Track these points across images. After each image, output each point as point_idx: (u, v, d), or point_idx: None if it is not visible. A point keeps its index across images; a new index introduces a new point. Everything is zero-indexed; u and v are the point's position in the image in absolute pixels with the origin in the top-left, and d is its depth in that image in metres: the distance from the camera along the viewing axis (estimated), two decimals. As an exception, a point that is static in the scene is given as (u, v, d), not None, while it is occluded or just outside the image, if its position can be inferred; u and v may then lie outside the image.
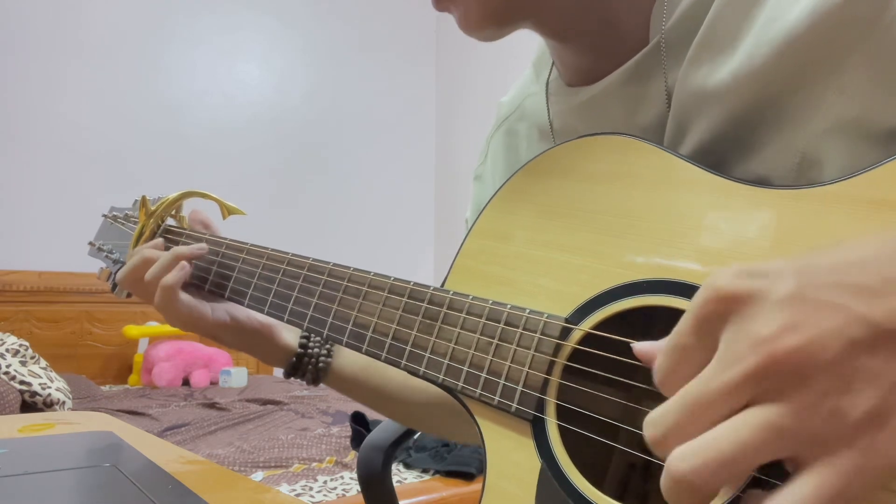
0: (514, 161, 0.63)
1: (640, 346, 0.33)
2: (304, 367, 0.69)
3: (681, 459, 0.26)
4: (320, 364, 0.69)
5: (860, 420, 0.24)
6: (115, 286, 0.78)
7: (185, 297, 0.65)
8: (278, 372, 3.19)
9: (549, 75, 0.57)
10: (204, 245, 0.68)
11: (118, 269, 0.78)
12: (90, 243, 0.82)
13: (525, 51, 0.65)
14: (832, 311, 0.25)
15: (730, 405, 0.26)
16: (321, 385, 0.71)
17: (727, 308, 0.27)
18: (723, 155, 0.44)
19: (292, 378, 0.70)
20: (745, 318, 0.27)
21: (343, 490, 1.36)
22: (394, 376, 0.71)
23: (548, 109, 0.57)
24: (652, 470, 0.49)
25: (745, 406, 0.26)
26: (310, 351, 0.69)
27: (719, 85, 0.43)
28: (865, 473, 0.24)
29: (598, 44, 0.50)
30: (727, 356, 0.27)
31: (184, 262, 0.66)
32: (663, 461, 0.27)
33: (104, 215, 0.85)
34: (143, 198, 0.75)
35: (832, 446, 0.25)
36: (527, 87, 0.63)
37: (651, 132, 0.49)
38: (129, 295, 0.77)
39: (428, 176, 3.80)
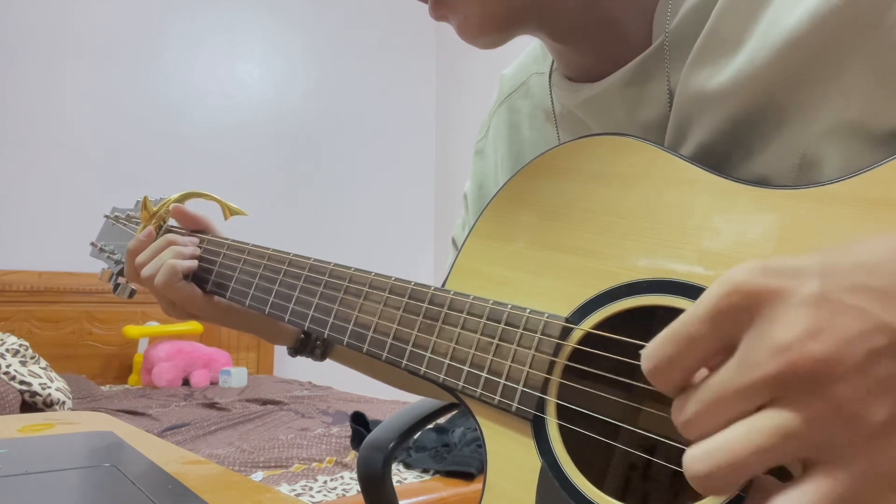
0: (517, 139, 0.63)
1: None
2: (313, 343, 0.70)
3: (695, 460, 0.27)
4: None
5: (876, 428, 0.25)
6: (116, 286, 0.79)
7: (187, 282, 0.68)
8: (278, 371, 3.19)
9: (553, 63, 0.57)
10: (195, 240, 0.71)
11: (120, 270, 0.79)
12: (92, 244, 0.82)
13: (526, 49, 0.65)
14: (854, 316, 0.25)
15: (747, 405, 0.27)
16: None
17: (748, 304, 0.27)
18: (723, 156, 0.44)
19: (298, 356, 0.72)
20: (766, 319, 0.26)
21: (343, 490, 1.36)
22: None
23: (551, 97, 0.57)
24: (652, 469, 0.49)
25: (762, 406, 0.26)
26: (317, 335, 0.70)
27: (721, 87, 0.43)
28: (876, 479, 0.25)
29: (598, 45, 0.50)
30: (748, 358, 0.26)
31: (194, 252, 0.69)
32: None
33: (106, 216, 0.85)
34: (145, 198, 0.75)
35: (845, 452, 0.25)
36: (533, 62, 0.62)
37: (652, 132, 0.49)
38: (131, 295, 0.77)
39: (428, 176, 3.80)
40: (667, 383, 0.29)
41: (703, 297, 0.28)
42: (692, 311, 0.28)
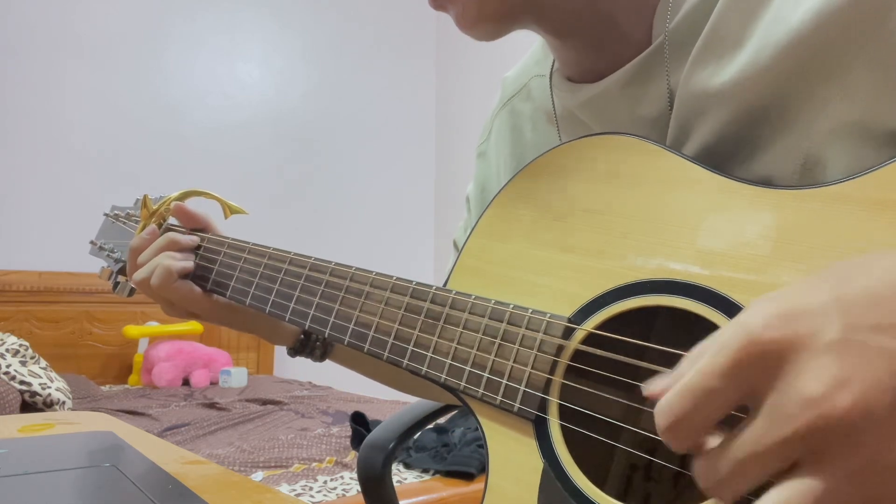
0: (519, 142, 0.63)
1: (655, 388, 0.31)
2: (313, 344, 0.70)
3: None
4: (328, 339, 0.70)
5: None
6: (116, 285, 0.78)
7: (184, 281, 0.68)
8: (278, 371, 3.19)
9: (553, 64, 0.57)
10: (195, 239, 0.70)
11: (119, 268, 0.78)
12: (91, 242, 0.82)
13: (526, 49, 0.65)
14: (878, 359, 0.25)
15: (781, 462, 0.26)
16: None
17: (769, 357, 0.26)
18: (726, 156, 0.44)
19: (298, 356, 0.72)
20: (792, 372, 0.26)
21: (343, 490, 1.36)
22: None
23: (552, 99, 0.57)
24: (654, 470, 0.49)
25: (795, 462, 0.26)
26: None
27: (723, 86, 0.43)
28: None
29: (598, 43, 0.50)
30: (778, 412, 0.26)
31: (190, 255, 0.68)
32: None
33: (105, 214, 0.85)
34: (145, 196, 0.75)
35: (885, 501, 0.24)
36: (534, 65, 0.63)
37: (653, 132, 0.48)
38: (130, 293, 0.77)
39: (428, 176, 3.79)
40: (683, 440, 0.28)
41: (720, 348, 0.27)
42: (709, 363, 0.27)
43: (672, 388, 0.28)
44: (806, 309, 0.26)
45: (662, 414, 0.28)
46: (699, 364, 0.27)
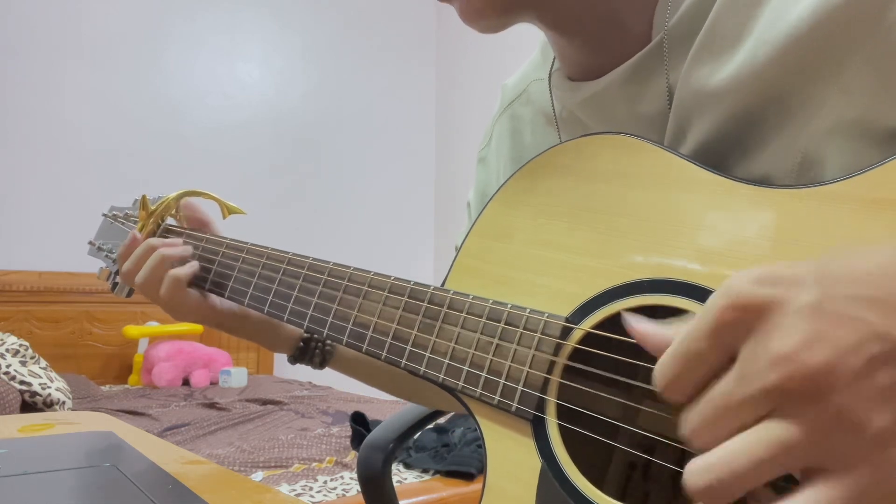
0: (519, 145, 0.63)
1: (640, 327, 0.33)
2: (312, 351, 0.70)
3: (696, 475, 0.27)
4: (327, 347, 0.70)
5: (876, 435, 0.25)
6: (115, 286, 0.78)
7: (191, 289, 0.67)
8: (278, 371, 3.19)
9: (553, 65, 0.57)
10: (189, 248, 0.70)
11: (118, 269, 0.78)
12: (90, 243, 0.82)
13: (526, 51, 0.65)
14: (851, 326, 0.25)
15: (748, 416, 0.27)
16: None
17: (746, 316, 0.27)
18: (724, 154, 0.44)
19: (298, 364, 0.72)
20: (765, 330, 0.27)
21: (343, 490, 1.36)
22: None
23: (551, 99, 0.57)
24: (652, 469, 0.49)
25: (763, 416, 0.26)
26: (316, 335, 0.70)
27: (721, 84, 0.43)
28: (880, 487, 0.25)
29: (599, 39, 0.50)
30: (748, 369, 0.27)
31: (194, 261, 0.68)
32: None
33: (104, 214, 0.85)
34: (144, 197, 0.75)
35: (847, 461, 0.25)
36: (533, 71, 0.63)
37: (652, 130, 0.48)
38: (129, 294, 0.77)
39: (428, 176, 3.79)
40: (679, 398, 0.30)
41: (705, 311, 0.28)
42: (695, 326, 0.29)
43: (666, 352, 0.30)
44: (786, 275, 0.28)
45: (657, 377, 0.30)
46: (687, 327, 0.29)
